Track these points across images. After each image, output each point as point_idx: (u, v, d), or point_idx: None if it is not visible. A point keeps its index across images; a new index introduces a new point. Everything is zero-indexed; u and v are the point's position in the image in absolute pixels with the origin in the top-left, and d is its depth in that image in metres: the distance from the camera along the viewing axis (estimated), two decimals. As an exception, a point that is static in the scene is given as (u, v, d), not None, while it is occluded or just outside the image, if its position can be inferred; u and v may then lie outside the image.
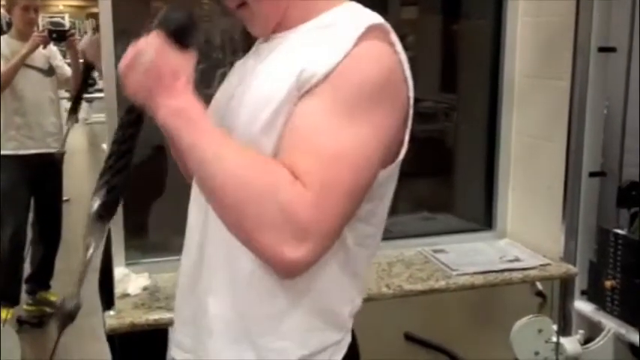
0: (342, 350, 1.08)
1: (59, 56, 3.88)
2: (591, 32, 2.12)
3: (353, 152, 0.93)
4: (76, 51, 3.87)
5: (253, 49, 1.14)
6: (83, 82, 2.67)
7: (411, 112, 1.03)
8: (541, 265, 2.09)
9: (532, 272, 2.07)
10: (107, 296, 1.86)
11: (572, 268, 2.14)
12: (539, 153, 2.22)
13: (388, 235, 2.43)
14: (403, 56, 1.00)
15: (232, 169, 0.91)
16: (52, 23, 3.77)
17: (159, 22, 0.97)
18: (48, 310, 3.85)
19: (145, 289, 1.83)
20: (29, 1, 3.60)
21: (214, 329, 1.06)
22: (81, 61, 2.68)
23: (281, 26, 1.08)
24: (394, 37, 1.00)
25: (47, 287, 3.89)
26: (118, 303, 1.71)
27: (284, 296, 1.01)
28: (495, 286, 2.05)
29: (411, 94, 1.02)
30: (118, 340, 1.89)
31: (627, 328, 2.12)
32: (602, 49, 2.16)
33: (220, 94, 1.15)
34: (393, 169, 1.04)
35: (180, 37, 0.96)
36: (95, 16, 2.13)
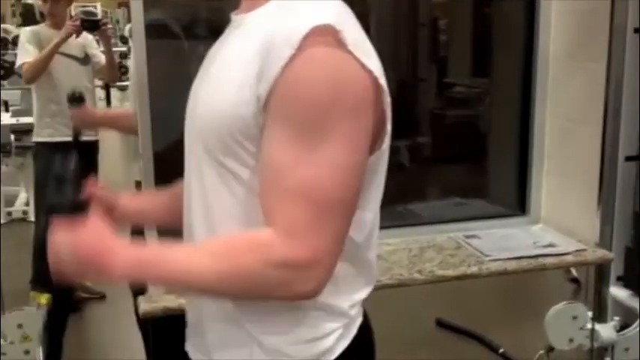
0: (349, 335, 1.09)
1: (95, 44, 3.92)
2: (628, 13, 2.08)
3: (329, 173, 0.95)
4: (109, 40, 3.91)
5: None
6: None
7: (386, 100, 1.02)
8: (576, 251, 2.07)
9: (567, 258, 2.05)
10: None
11: (608, 254, 2.10)
12: (574, 137, 2.19)
13: (419, 221, 2.45)
14: (359, 51, 0.97)
15: (218, 276, 0.96)
16: (85, 12, 3.80)
17: None
18: (82, 295, 3.92)
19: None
20: (62, -9, 3.66)
21: (207, 329, 1.11)
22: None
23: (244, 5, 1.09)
24: (345, 35, 0.96)
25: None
26: (150, 287, 1.73)
27: None
28: (529, 272, 2.03)
29: (382, 81, 1.00)
30: (152, 323, 1.91)
31: (664, 314, 2.09)
32: (638, 30, 2.12)
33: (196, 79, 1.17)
34: (378, 157, 1.05)
35: None
36: (126, 5, 2.14)
